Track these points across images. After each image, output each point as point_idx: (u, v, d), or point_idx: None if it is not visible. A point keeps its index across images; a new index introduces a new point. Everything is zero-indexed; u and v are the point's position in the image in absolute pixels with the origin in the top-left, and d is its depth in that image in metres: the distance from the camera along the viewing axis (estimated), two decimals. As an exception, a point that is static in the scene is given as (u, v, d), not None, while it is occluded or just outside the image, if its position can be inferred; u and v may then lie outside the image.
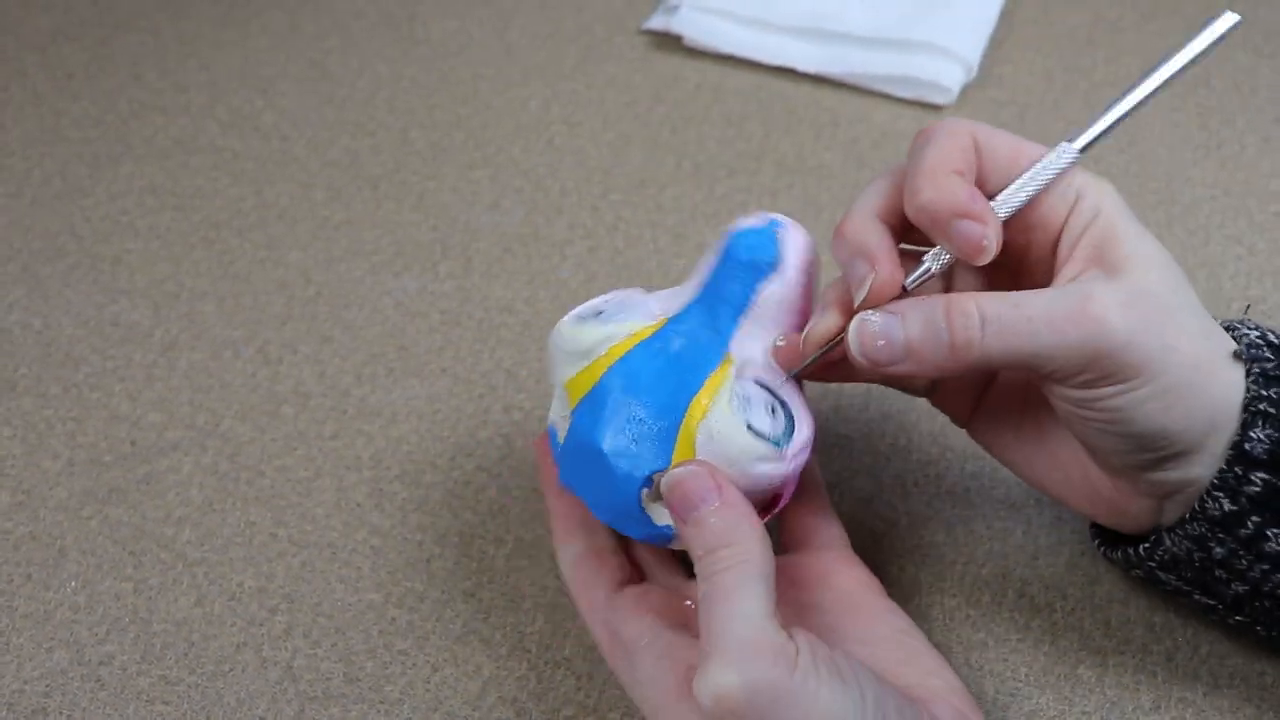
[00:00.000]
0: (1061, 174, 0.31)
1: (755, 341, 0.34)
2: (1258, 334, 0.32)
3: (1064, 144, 0.31)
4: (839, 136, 0.56)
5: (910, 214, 0.31)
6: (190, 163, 0.56)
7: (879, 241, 0.31)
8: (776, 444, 0.32)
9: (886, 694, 0.29)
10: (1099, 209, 0.31)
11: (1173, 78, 0.31)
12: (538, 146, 0.56)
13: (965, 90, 0.58)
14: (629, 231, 0.52)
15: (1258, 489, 0.30)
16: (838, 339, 0.32)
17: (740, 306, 0.33)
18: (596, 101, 0.59)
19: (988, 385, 0.36)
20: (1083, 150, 0.31)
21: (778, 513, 0.34)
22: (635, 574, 0.36)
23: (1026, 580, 0.39)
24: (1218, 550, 0.31)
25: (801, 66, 0.59)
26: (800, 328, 0.34)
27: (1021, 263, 0.33)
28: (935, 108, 0.57)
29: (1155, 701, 0.36)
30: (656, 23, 0.62)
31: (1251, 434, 0.30)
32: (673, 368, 0.33)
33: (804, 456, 0.33)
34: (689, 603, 0.34)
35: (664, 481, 0.31)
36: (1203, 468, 0.31)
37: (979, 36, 0.59)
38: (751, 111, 0.58)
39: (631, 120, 0.58)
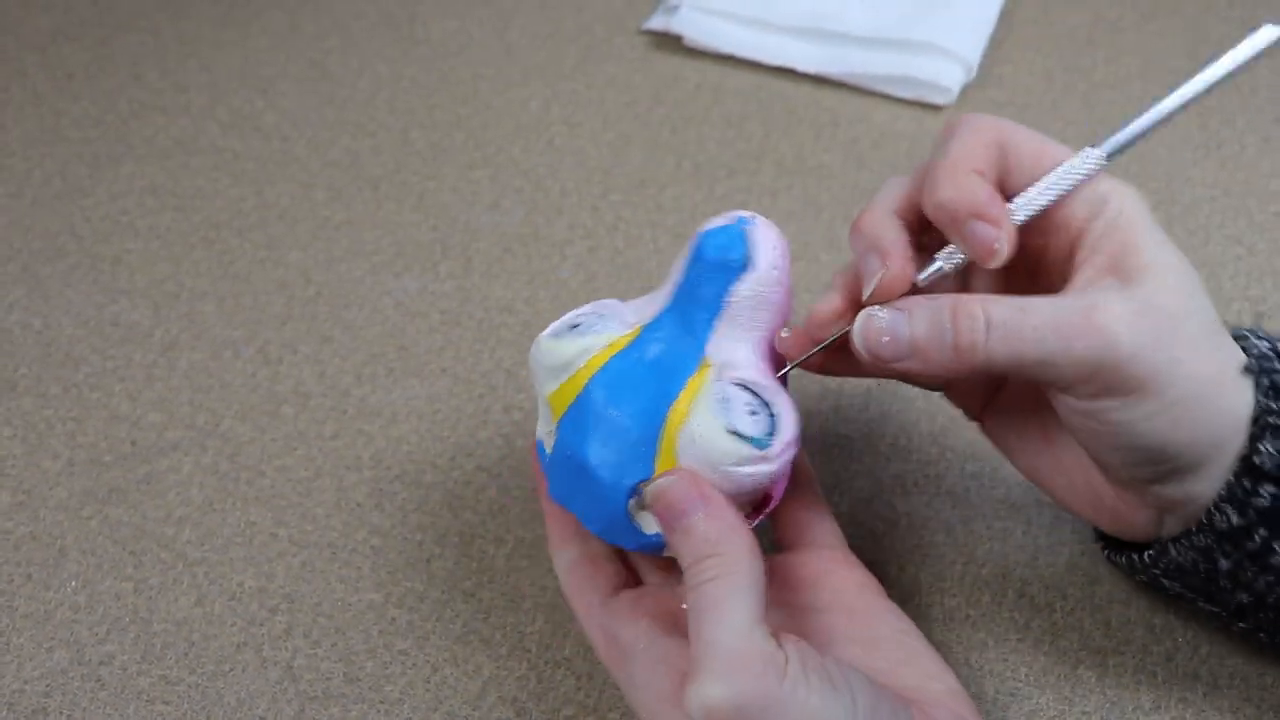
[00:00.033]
0: (1084, 180, 0.30)
1: (733, 343, 0.33)
2: (1267, 345, 0.31)
3: (1089, 149, 0.30)
4: (839, 136, 0.56)
5: (927, 210, 0.31)
6: (190, 163, 0.56)
7: (893, 237, 0.31)
8: (759, 444, 0.31)
9: (881, 699, 0.29)
10: (1121, 215, 0.30)
11: (1209, 90, 0.31)
12: (538, 146, 0.56)
13: (965, 90, 0.58)
14: (629, 231, 0.52)
15: (1266, 503, 0.30)
16: (844, 329, 0.32)
17: (714, 308, 0.33)
18: (596, 101, 0.59)
19: (1001, 384, 0.36)
20: (1109, 157, 0.30)
21: (769, 512, 0.34)
22: (630, 578, 0.36)
23: (1026, 580, 0.39)
24: (1223, 563, 0.31)
25: (801, 66, 0.59)
26: (779, 324, 0.34)
27: (1039, 264, 0.32)
28: (935, 108, 0.57)
29: (1155, 701, 0.36)
30: (656, 23, 0.62)
31: (1260, 447, 0.29)
32: (651, 375, 0.33)
33: (789, 455, 0.32)
34: (684, 605, 0.34)
35: (648, 492, 0.31)
36: (1205, 484, 0.30)
37: (979, 36, 0.59)
38: (751, 111, 0.58)
39: (631, 120, 0.58)
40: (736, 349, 0.33)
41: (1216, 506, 0.30)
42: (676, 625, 0.32)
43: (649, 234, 0.52)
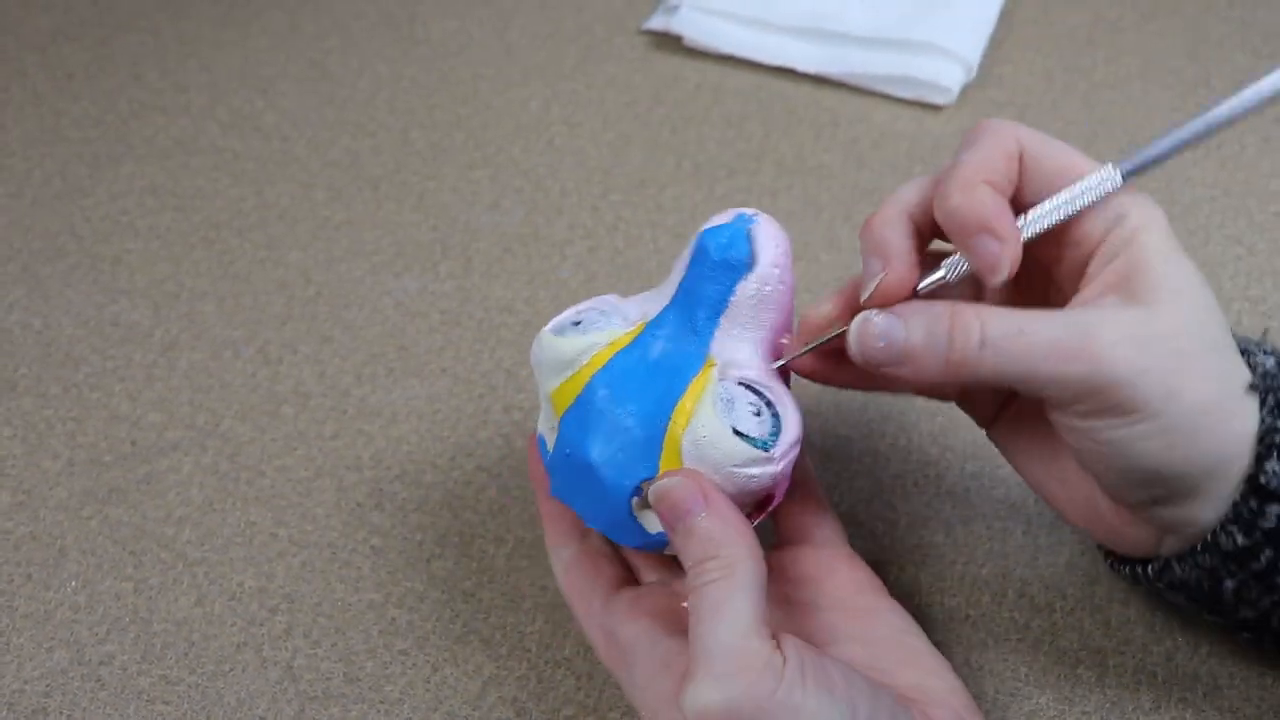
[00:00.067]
0: (1099, 200, 0.30)
1: (736, 341, 0.33)
2: (1274, 362, 0.31)
3: (1108, 168, 0.30)
4: (839, 136, 0.56)
5: (937, 216, 0.30)
6: (190, 163, 0.56)
7: (898, 241, 0.31)
8: (764, 445, 0.31)
9: (880, 700, 0.29)
10: (1137, 232, 0.29)
11: (1236, 118, 0.29)
12: (538, 146, 0.56)
13: (965, 90, 0.58)
14: (629, 231, 0.52)
15: (1271, 523, 0.29)
16: (839, 331, 0.32)
17: (718, 307, 0.33)
18: (596, 101, 0.59)
19: (1012, 393, 0.35)
20: (1125, 178, 0.30)
21: (770, 512, 0.34)
22: (629, 576, 0.36)
23: (1026, 580, 0.39)
24: (1228, 582, 0.31)
25: (801, 66, 0.59)
26: (781, 323, 0.34)
27: (1051, 276, 0.32)
28: (935, 108, 0.57)
29: (1155, 701, 0.36)
30: (656, 23, 0.62)
31: (1267, 467, 0.29)
32: (655, 374, 0.32)
33: (793, 455, 0.32)
34: (685, 604, 0.34)
35: (651, 492, 0.31)
36: (1202, 509, 0.30)
37: (979, 36, 0.59)
38: (751, 111, 0.58)
39: (631, 120, 0.58)
40: (739, 348, 0.33)
41: (1222, 527, 0.30)
42: (678, 625, 0.32)
43: (649, 234, 0.52)
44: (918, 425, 0.44)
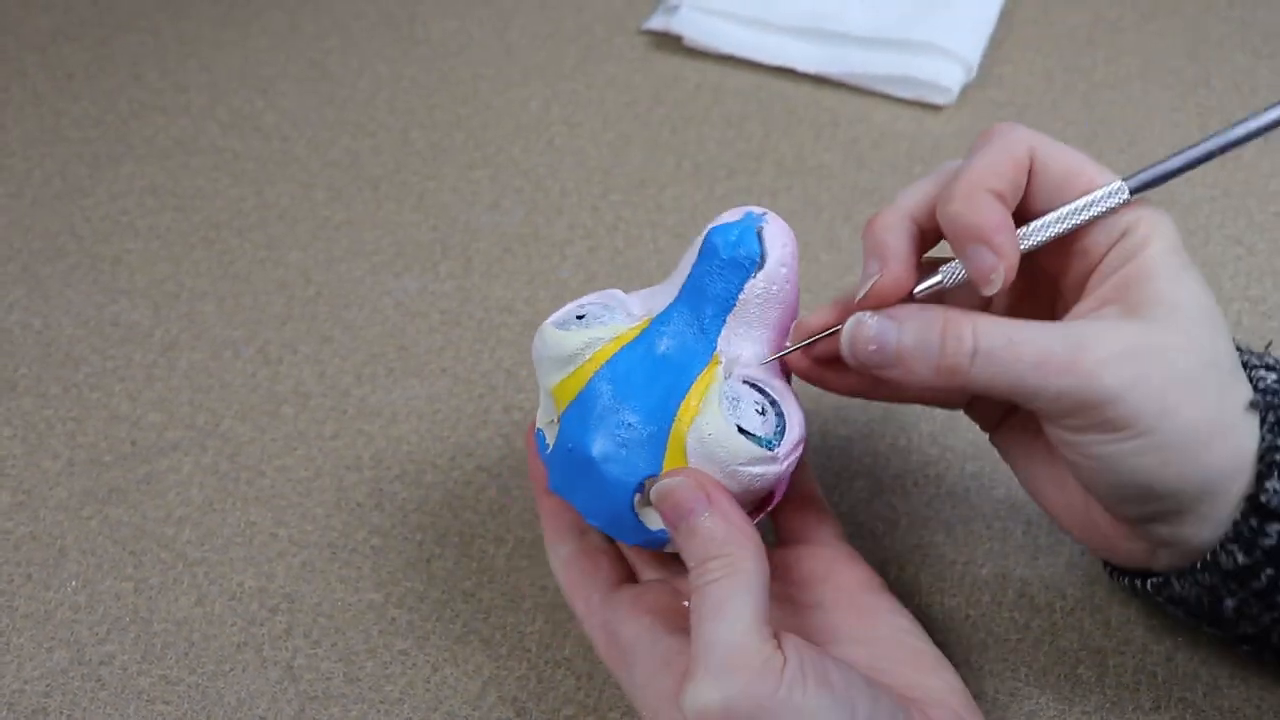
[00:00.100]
0: (1104, 214, 0.29)
1: (742, 340, 0.33)
2: (1275, 377, 0.30)
3: (1116, 183, 0.29)
4: (839, 136, 0.56)
5: (939, 220, 0.30)
6: (190, 163, 0.56)
7: (896, 243, 0.31)
8: (768, 444, 0.31)
9: (880, 700, 0.29)
10: (1143, 246, 0.29)
11: (1250, 137, 0.29)
12: (538, 146, 0.56)
13: (965, 90, 0.58)
14: (629, 231, 0.52)
15: (1273, 541, 0.29)
16: (833, 330, 0.32)
17: (726, 305, 0.33)
18: (596, 101, 0.59)
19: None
20: (1133, 193, 0.29)
21: (770, 510, 0.34)
22: (628, 573, 0.36)
23: (1026, 580, 0.39)
24: (1229, 601, 0.31)
25: (801, 66, 0.59)
26: (787, 321, 0.34)
27: (1057, 285, 0.32)
28: (935, 108, 0.57)
29: (1155, 701, 0.36)
30: (656, 23, 0.62)
31: (1268, 486, 0.29)
32: (660, 370, 0.32)
33: (797, 455, 0.32)
34: (686, 603, 0.34)
35: (654, 491, 0.31)
36: (1197, 527, 0.30)
37: (979, 36, 0.59)
38: (751, 111, 0.58)
39: (631, 120, 0.58)
40: (745, 346, 0.33)
41: (1223, 546, 0.30)
42: (679, 623, 0.32)
43: (649, 234, 0.52)
44: (918, 425, 0.44)
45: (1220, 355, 0.29)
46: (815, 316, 0.33)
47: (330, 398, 0.46)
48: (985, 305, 0.34)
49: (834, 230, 0.51)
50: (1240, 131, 0.29)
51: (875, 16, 0.60)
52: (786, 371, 0.34)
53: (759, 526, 0.32)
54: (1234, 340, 0.31)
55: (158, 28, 0.65)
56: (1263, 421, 0.29)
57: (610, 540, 0.36)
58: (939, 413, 0.44)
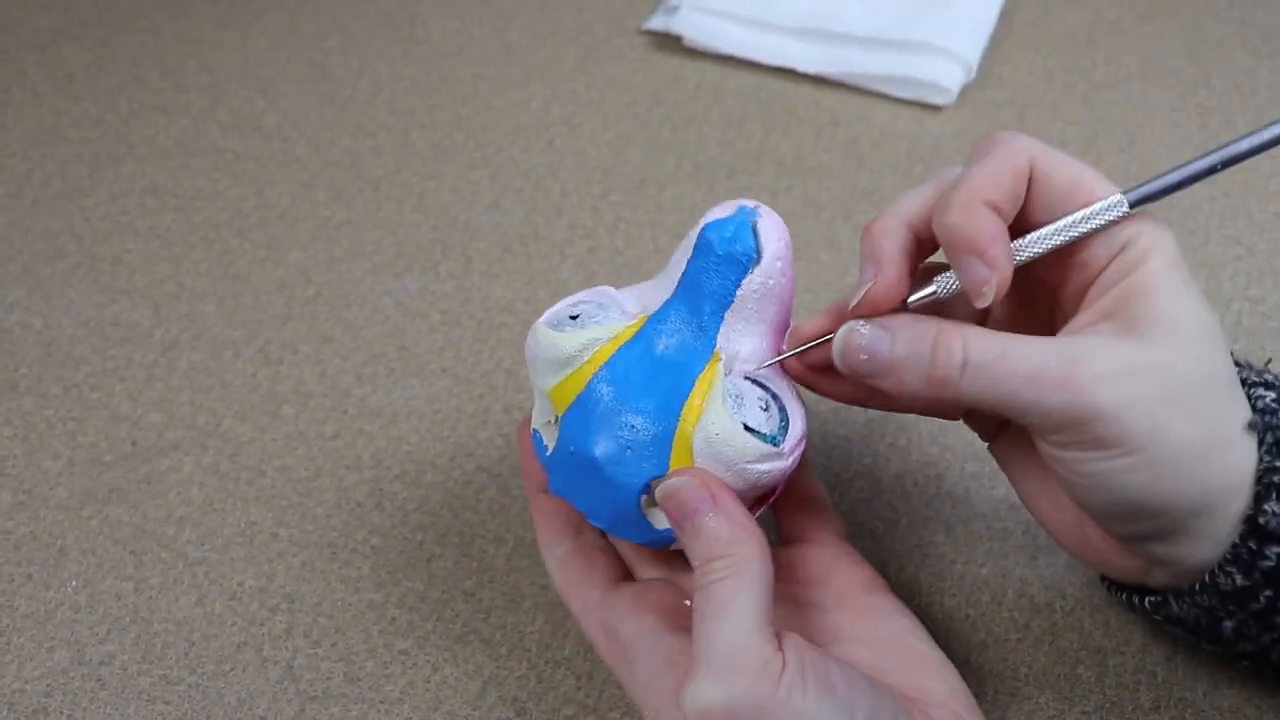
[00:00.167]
0: (1103, 227, 0.29)
1: (741, 336, 0.33)
2: (1274, 396, 0.30)
3: (1118, 195, 0.29)
4: (839, 136, 0.56)
5: (935, 230, 0.30)
6: (191, 163, 0.57)
7: (891, 250, 0.30)
8: (774, 440, 0.31)
9: (881, 701, 0.29)
10: (1144, 261, 0.29)
11: (1253, 152, 0.29)
12: (538, 146, 0.56)
13: (965, 90, 0.58)
14: (629, 231, 0.52)
15: (1272, 563, 0.29)
16: (827, 338, 0.32)
17: (724, 301, 0.33)
18: (596, 101, 0.59)
19: None
20: (1132, 207, 0.29)
21: (771, 504, 0.34)
22: (626, 571, 0.36)
23: (1026, 580, 0.39)
24: (1227, 623, 0.31)
25: (801, 66, 0.59)
26: (784, 315, 0.34)
27: (1055, 296, 0.32)
28: (935, 108, 0.57)
29: (1155, 701, 0.36)
30: (656, 23, 0.62)
31: (1266, 508, 0.28)
32: (661, 370, 0.32)
33: (800, 449, 0.32)
34: (688, 602, 0.34)
35: (659, 490, 0.31)
36: (1191, 548, 0.30)
37: (979, 37, 0.59)
38: (751, 111, 0.58)
39: (631, 120, 0.58)
40: (744, 342, 0.33)
41: (1221, 568, 0.29)
42: (680, 622, 0.32)
43: (649, 234, 0.52)
44: (918, 425, 0.44)
45: (1217, 373, 0.29)
46: (810, 323, 0.32)
47: (330, 398, 0.46)
48: (983, 315, 0.34)
49: (834, 230, 0.51)
50: (1244, 146, 0.29)
51: (875, 17, 0.60)
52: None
53: (760, 521, 0.32)
54: (1233, 355, 0.30)
55: (158, 28, 0.65)
56: (1261, 442, 0.29)
57: (606, 539, 0.36)
58: (939, 413, 0.44)
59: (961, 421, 0.37)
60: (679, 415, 0.31)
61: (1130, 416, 0.27)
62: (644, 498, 0.32)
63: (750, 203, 0.33)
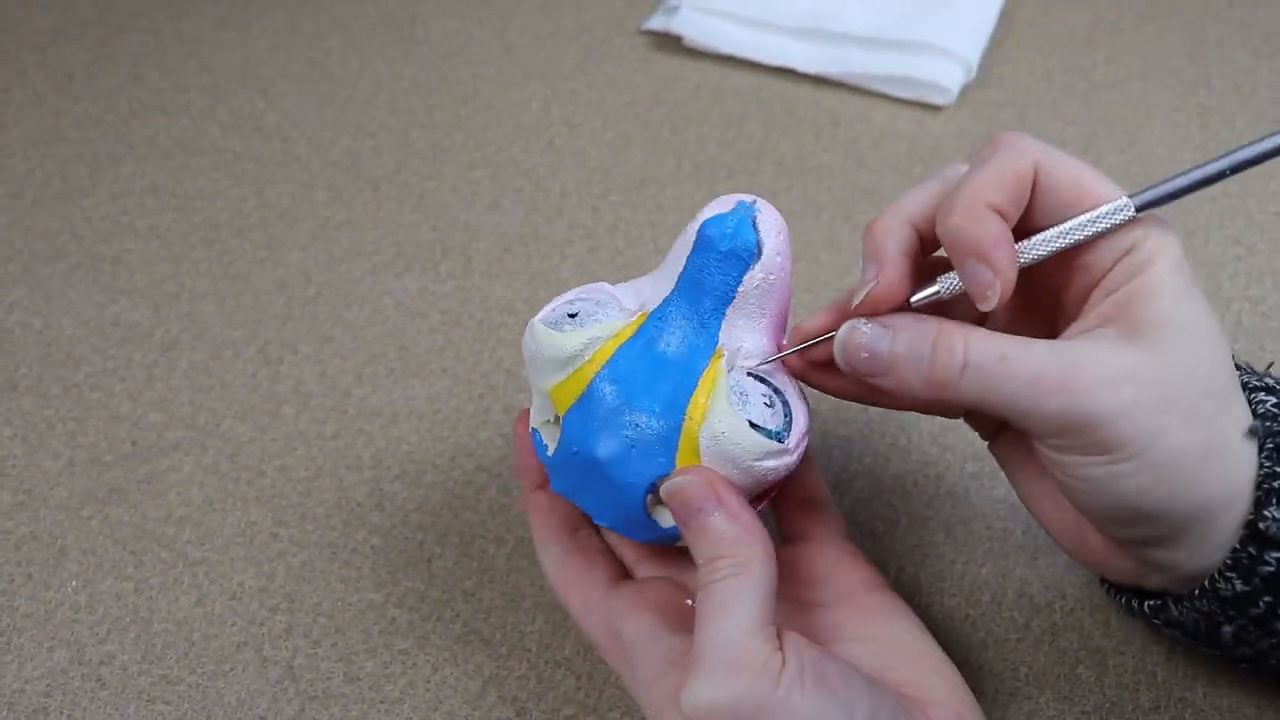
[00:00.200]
0: (1107, 231, 0.29)
1: (742, 332, 0.33)
2: (1275, 401, 0.30)
3: (1124, 199, 0.29)
4: (839, 136, 0.56)
5: (938, 232, 0.30)
6: (191, 163, 0.57)
7: (894, 250, 0.30)
8: (779, 437, 0.31)
9: (881, 701, 0.29)
10: (1146, 265, 0.28)
11: (1261, 158, 0.29)
12: (538, 146, 0.56)
13: (965, 90, 0.58)
14: (629, 231, 0.52)
15: (1272, 569, 0.29)
16: (828, 335, 0.32)
17: (725, 298, 0.32)
18: (596, 101, 0.59)
19: None
20: (1138, 211, 0.29)
21: (771, 498, 0.34)
22: (624, 570, 0.36)
23: (1026, 580, 0.39)
24: (1227, 628, 0.30)
25: (801, 67, 0.59)
26: (782, 310, 0.33)
27: (1058, 298, 0.32)
28: (935, 108, 0.57)
29: (1155, 701, 0.36)
30: (656, 23, 0.62)
31: (1267, 513, 0.28)
32: (664, 368, 0.32)
33: (804, 445, 0.32)
34: (689, 602, 0.34)
35: (664, 489, 0.31)
36: (1188, 553, 0.29)
37: (979, 37, 0.59)
38: (751, 111, 0.58)
39: (631, 120, 0.58)
40: (745, 337, 0.33)
41: (1221, 573, 0.29)
42: (682, 621, 0.32)
43: (649, 234, 0.52)
44: (918, 425, 0.44)
45: (1218, 378, 0.29)
46: (812, 320, 0.32)
47: (330, 398, 0.46)
48: (985, 315, 0.34)
49: (834, 230, 0.51)
50: (1252, 152, 0.29)
51: (875, 17, 0.60)
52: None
53: (761, 516, 0.32)
54: (1235, 359, 0.30)
55: (158, 28, 0.65)
56: (1261, 448, 0.29)
57: (604, 538, 0.36)
58: (939, 413, 0.44)
59: (961, 421, 0.37)
60: (684, 413, 0.31)
61: (1128, 421, 0.27)
62: (649, 497, 0.32)
63: (748, 198, 0.33)
